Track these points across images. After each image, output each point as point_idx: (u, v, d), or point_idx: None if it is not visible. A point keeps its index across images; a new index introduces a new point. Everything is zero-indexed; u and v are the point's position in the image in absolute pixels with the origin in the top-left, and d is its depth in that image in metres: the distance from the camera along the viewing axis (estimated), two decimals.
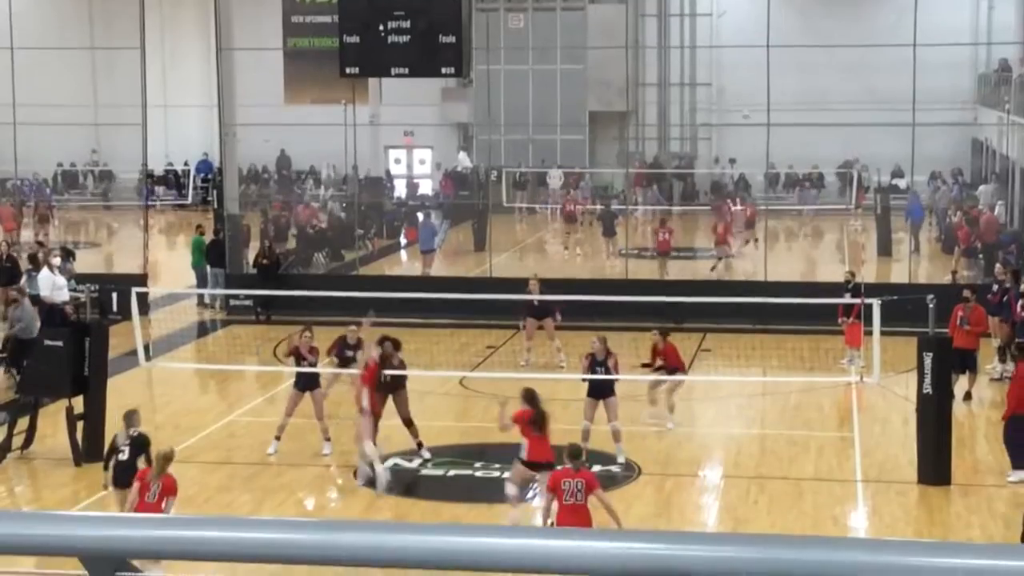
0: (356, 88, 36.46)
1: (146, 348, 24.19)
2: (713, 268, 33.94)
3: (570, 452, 14.64)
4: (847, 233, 41.65)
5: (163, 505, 14.48)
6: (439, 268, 34.86)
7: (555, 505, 14.40)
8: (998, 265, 27.53)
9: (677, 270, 34.60)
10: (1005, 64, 41.30)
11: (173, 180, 51.47)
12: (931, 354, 18.33)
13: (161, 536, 2.77)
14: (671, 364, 21.09)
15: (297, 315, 28.83)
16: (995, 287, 24.91)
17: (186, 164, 50.85)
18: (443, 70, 28.25)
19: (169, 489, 14.52)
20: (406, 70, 27.81)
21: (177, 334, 29.30)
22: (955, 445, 18.50)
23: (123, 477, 15.78)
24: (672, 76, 48.12)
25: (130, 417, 16.28)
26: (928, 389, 18.38)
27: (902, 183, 42.82)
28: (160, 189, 50.04)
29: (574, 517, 13.85)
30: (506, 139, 44.81)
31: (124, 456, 15.95)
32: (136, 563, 2.90)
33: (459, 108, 47.77)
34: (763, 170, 38.61)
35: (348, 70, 28.17)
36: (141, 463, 15.70)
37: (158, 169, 49.14)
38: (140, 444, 15.93)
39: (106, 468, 16.60)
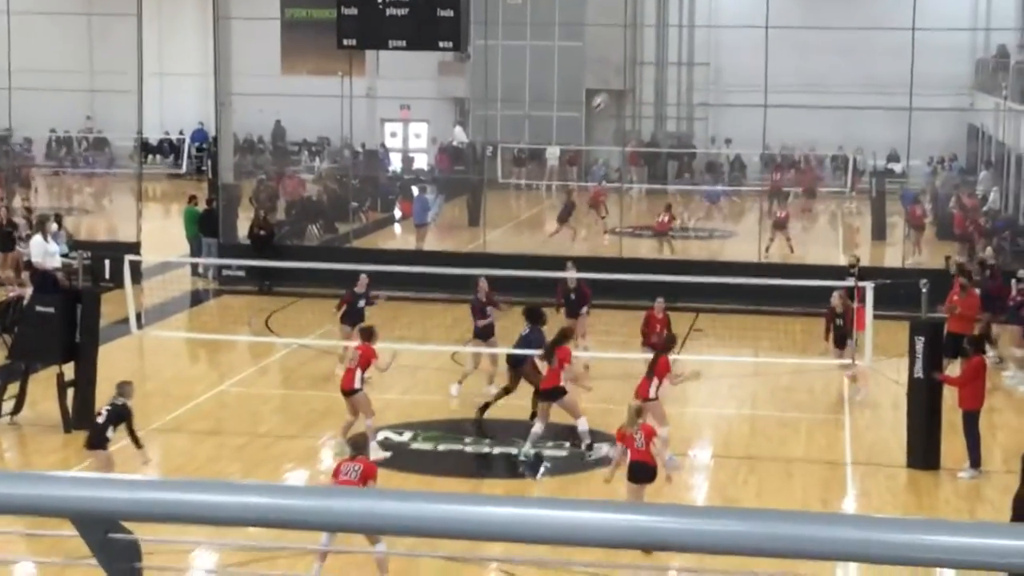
0: (353, 60, 36.32)
1: (138, 316, 24.09)
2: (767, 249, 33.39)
3: (352, 443, 15.52)
4: (842, 216, 41.64)
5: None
6: (433, 243, 34.83)
7: None
8: (989, 249, 27.59)
9: (669, 249, 34.57)
10: (1003, 50, 41.21)
11: (168, 149, 51.35)
12: (923, 338, 18.31)
13: (151, 498, 2.78)
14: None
15: (290, 286, 28.87)
16: (987, 272, 24.86)
17: (181, 133, 50.68)
18: (441, 44, 28.11)
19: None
20: (403, 43, 27.70)
21: (169, 303, 29.23)
22: (945, 429, 18.47)
23: (93, 439, 16.21)
24: (670, 55, 47.98)
25: (121, 387, 16.42)
26: (919, 373, 18.35)
27: (898, 167, 42.80)
28: (156, 157, 50.02)
29: None
30: (502, 115, 44.63)
31: (100, 420, 16.22)
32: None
33: (456, 83, 47.62)
34: (759, 151, 38.57)
35: (345, 42, 28.06)
36: (111, 432, 16.09)
37: (153, 137, 49.02)
38: (118, 414, 16.14)
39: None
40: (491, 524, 2.77)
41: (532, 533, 2.79)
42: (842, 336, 22.04)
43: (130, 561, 3.27)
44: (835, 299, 22.06)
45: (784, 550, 2.71)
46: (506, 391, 20.03)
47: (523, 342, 19.88)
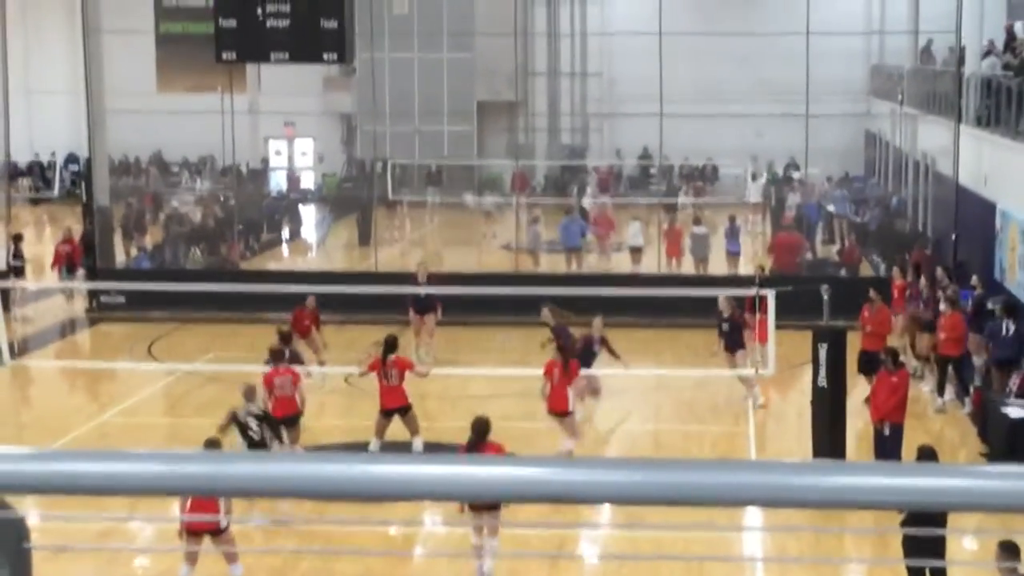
0: (233, 75, 35.01)
1: (10, 346, 23.13)
2: None
3: None
4: (745, 226, 41.17)
5: None
6: (323, 263, 33.95)
7: None
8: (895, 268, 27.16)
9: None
10: (898, 55, 41.00)
11: (39, 171, 49.31)
12: (826, 345, 18.02)
13: (29, 470, 2.76)
14: None
15: (175, 311, 27.77)
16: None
17: (53, 155, 48.67)
18: (325, 56, 27.40)
19: None
20: (286, 55, 26.87)
21: (44, 332, 28.10)
22: (850, 438, 18.25)
23: None
24: (563, 65, 47.21)
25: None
26: (823, 382, 18.20)
27: (797, 175, 42.39)
28: (26, 180, 47.96)
29: None
30: (392, 130, 43.53)
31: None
32: None
33: (342, 97, 46.44)
34: (656, 162, 38.09)
35: (225, 55, 27.10)
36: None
37: (22, 160, 47.00)
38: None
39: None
40: (396, 481, 2.74)
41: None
42: (734, 342, 21.46)
43: (17, 541, 3.00)
44: (722, 302, 21.63)
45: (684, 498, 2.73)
46: None
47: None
